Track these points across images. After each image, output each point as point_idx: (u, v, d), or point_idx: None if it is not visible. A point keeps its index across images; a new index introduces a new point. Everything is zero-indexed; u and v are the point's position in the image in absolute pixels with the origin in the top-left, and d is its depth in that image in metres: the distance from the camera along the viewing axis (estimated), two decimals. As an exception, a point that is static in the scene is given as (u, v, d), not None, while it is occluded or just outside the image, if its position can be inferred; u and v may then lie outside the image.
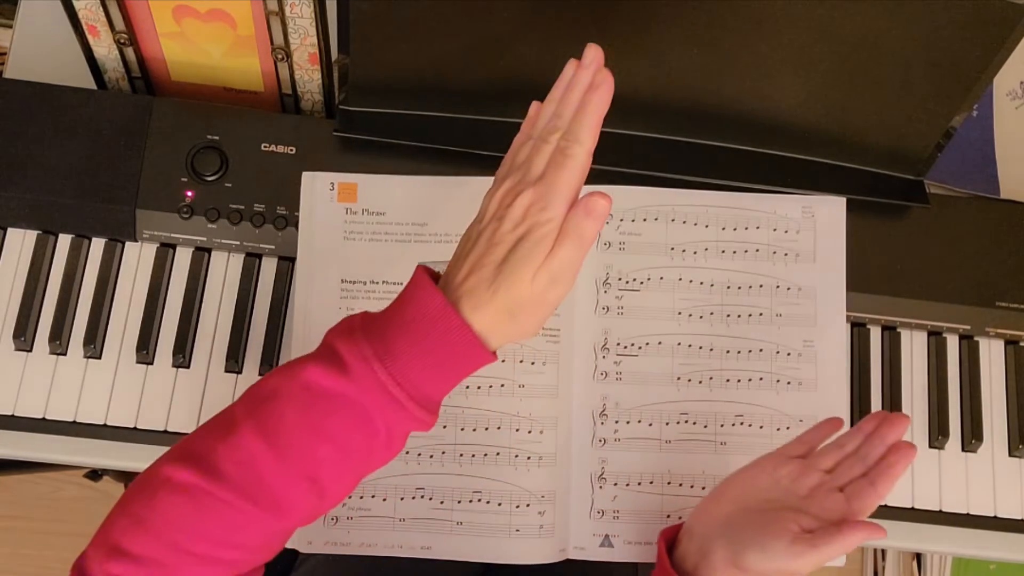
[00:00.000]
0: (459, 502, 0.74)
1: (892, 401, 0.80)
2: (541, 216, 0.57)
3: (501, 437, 0.75)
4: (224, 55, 0.78)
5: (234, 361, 0.77)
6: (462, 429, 0.76)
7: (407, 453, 0.75)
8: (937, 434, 0.80)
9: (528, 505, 0.75)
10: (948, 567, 1.37)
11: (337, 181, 0.78)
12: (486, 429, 0.76)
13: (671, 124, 0.81)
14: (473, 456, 0.74)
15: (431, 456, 0.75)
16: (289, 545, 0.74)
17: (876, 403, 0.81)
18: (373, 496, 0.75)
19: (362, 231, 0.78)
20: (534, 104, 0.64)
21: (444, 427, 0.76)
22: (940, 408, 0.81)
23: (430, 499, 0.75)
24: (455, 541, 0.74)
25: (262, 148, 0.79)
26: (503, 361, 0.76)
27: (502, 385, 0.76)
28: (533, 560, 0.74)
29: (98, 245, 0.79)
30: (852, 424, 0.79)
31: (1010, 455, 0.81)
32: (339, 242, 0.78)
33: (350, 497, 0.74)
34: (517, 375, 0.76)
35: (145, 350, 0.76)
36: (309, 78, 0.80)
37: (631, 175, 0.80)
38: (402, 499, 0.75)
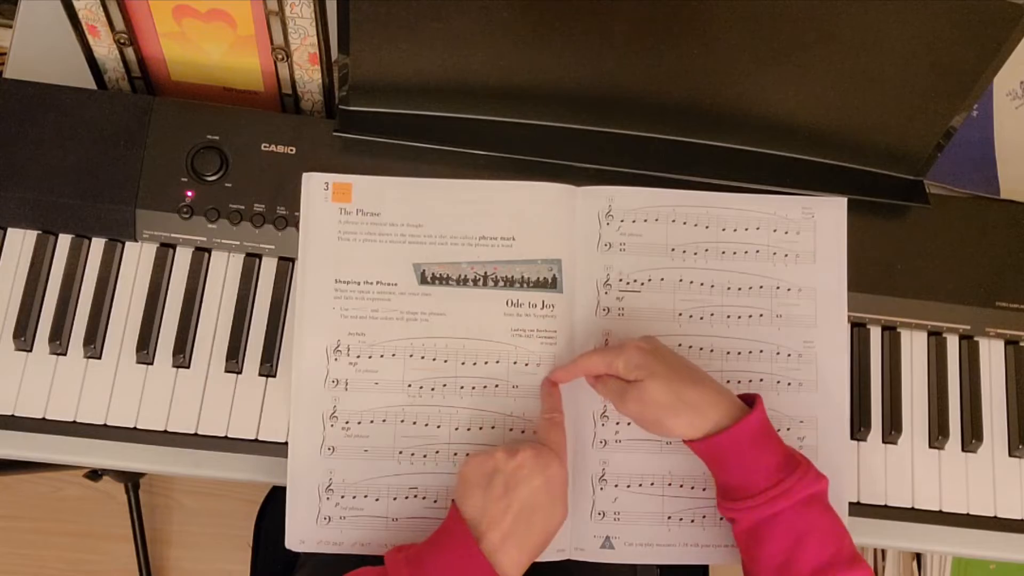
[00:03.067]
0: (452, 501, 0.74)
1: (892, 401, 0.80)
2: None
3: (495, 437, 0.75)
4: (224, 55, 0.78)
5: (234, 361, 0.77)
6: (456, 429, 0.76)
7: (400, 453, 0.75)
8: (937, 434, 0.80)
9: None
10: (948, 567, 1.37)
11: (332, 181, 0.78)
12: (480, 429, 0.76)
13: (671, 124, 0.81)
14: (467, 455, 0.74)
15: (424, 456, 0.75)
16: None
17: (876, 403, 0.80)
18: (366, 496, 0.75)
19: (356, 231, 0.78)
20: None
21: (438, 427, 0.75)
22: (940, 408, 0.81)
23: (423, 498, 0.75)
24: None
25: (262, 148, 0.79)
26: (497, 363, 0.76)
27: (496, 386, 0.76)
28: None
29: (98, 245, 0.79)
30: (852, 424, 0.79)
31: (1010, 455, 0.80)
32: (333, 242, 0.77)
33: (343, 497, 0.74)
34: (511, 376, 0.76)
35: (145, 350, 0.76)
36: (309, 78, 0.80)
37: (631, 175, 0.80)
38: (395, 499, 0.75)
